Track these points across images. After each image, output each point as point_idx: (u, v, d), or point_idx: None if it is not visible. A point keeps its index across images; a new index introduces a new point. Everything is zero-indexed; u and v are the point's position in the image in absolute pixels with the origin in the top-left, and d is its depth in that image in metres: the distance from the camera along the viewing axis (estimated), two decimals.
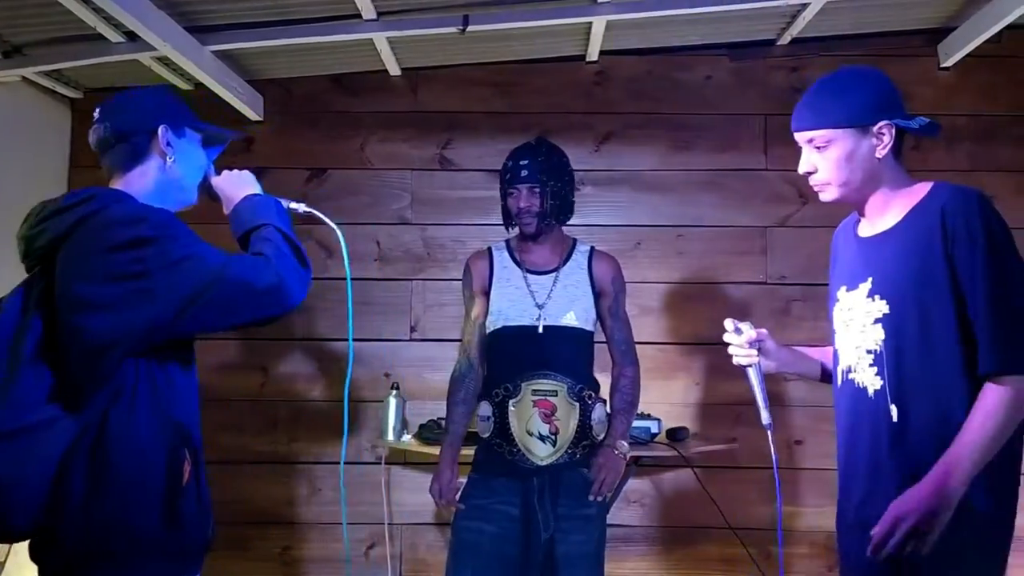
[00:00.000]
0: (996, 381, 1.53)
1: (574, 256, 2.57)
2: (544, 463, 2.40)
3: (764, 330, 1.83)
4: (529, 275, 2.53)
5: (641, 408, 3.25)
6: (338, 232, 1.76)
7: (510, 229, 2.61)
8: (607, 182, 3.52)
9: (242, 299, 1.46)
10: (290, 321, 3.40)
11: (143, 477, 1.44)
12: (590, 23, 3.12)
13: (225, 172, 1.71)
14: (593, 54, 3.46)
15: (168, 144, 1.62)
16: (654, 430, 2.97)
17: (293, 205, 1.74)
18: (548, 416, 2.41)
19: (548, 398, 2.41)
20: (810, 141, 1.70)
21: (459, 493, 2.49)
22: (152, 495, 1.45)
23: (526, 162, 2.49)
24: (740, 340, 1.80)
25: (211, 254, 1.48)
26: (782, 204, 3.45)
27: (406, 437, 3.19)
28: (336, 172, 3.53)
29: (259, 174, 1.82)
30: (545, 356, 2.42)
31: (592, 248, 2.61)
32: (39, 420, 1.40)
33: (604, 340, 2.61)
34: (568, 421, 2.42)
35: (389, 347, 3.45)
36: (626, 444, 2.49)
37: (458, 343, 2.70)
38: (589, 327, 2.52)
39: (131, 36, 2.87)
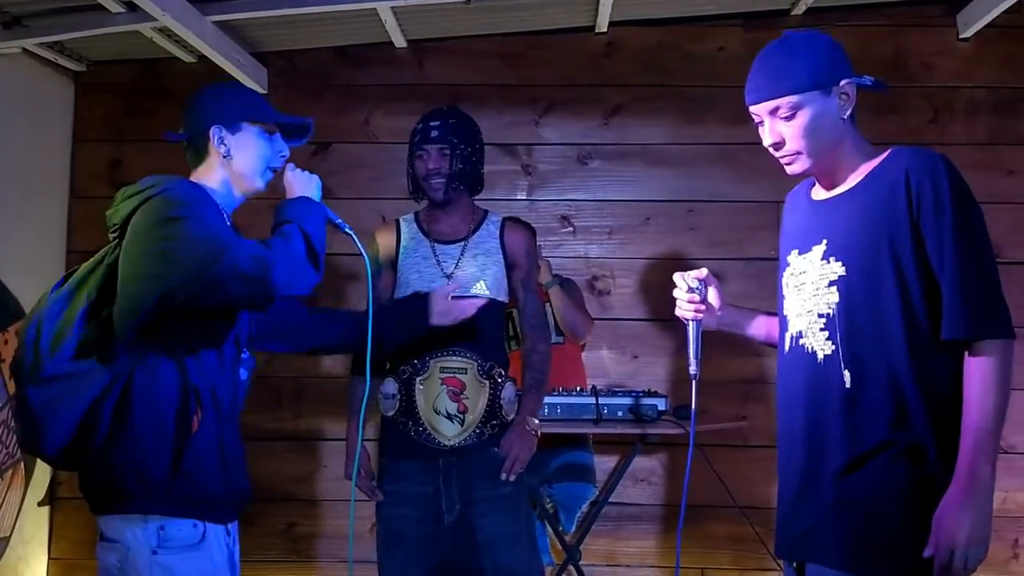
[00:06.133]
0: (974, 351, 1.48)
1: (485, 225, 2.46)
2: (451, 443, 2.31)
3: (705, 270, 1.81)
4: (437, 245, 2.42)
5: (648, 385, 3.24)
6: (366, 258, 1.90)
7: (419, 200, 2.49)
8: (616, 156, 3.46)
9: (227, 280, 1.56)
10: (296, 297, 3.37)
11: (156, 427, 1.62)
12: None
13: (298, 170, 1.86)
14: (602, 24, 3.39)
15: (221, 142, 1.77)
16: (661, 407, 2.93)
17: (339, 221, 1.85)
18: (456, 395, 2.32)
19: (457, 375, 2.33)
20: (774, 112, 1.63)
21: (375, 479, 2.40)
22: (162, 444, 1.62)
23: (436, 123, 2.40)
24: (683, 295, 1.78)
25: (221, 238, 1.59)
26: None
27: None
28: (340, 146, 3.48)
29: None
30: (454, 330, 2.28)
31: (505, 218, 2.51)
32: (77, 369, 1.61)
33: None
34: (477, 400, 2.33)
35: None
36: (537, 421, 2.41)
37: None
38: (502, 297, 2.42)
39: (131, 6, 2.82)
